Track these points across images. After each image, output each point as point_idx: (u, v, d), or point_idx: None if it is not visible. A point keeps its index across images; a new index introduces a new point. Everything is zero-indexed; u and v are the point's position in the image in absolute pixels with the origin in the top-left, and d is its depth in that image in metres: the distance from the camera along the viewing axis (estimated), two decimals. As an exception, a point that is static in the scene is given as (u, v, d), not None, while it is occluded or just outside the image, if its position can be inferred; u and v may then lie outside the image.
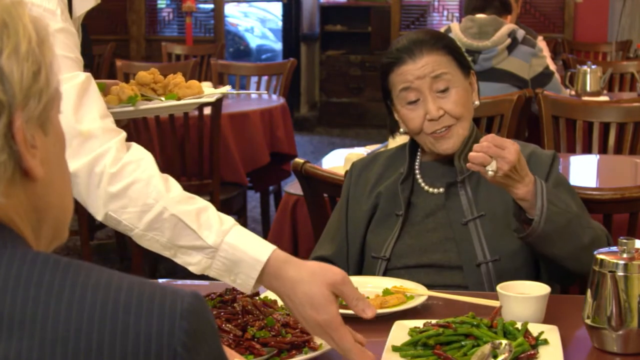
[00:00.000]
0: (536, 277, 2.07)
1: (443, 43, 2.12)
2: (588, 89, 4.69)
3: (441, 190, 2.13)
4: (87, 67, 6.59)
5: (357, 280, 1.95)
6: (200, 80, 5.96)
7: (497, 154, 1.85)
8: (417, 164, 2.19)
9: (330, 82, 9.77)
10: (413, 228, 2.13)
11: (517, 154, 1.87)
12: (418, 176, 2.18)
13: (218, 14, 8.93)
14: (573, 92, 4.70)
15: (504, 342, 1.53)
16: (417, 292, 1.88)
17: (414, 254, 2.09)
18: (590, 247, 1.92)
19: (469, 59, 3.98)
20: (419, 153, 2.19)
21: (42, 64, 0.89)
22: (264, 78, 5.75)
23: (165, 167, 4.12)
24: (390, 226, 2.13)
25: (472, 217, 2.08)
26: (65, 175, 0.96)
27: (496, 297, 1.76)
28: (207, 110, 4.08)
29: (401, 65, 2.10)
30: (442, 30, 4.17)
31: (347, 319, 1.71)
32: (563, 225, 1.92)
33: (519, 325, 1.63)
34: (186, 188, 4.02)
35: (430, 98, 2.08)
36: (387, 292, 1.88)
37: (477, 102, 2.18)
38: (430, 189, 2.15)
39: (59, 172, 0.94)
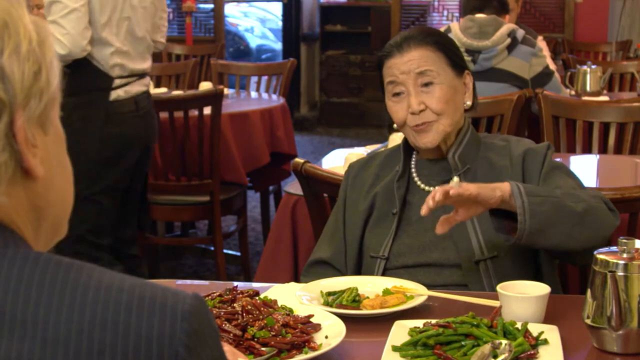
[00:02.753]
0: (536, 272, 2.08)
1: (433, 39, 2.12)
2: (588, 88, 4.69)
3: (437, 188, 2.13)
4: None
5: (357, 280, 1.96)
6: (200, 80, 5.95)
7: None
8: (413, 162, 2.19)
9: (330, 82, 9.77)
10: (410, 227, 2.13)
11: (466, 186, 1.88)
12: (414, 174, 2.18)
13: (218, 13, 8.93)
14: (573, 92, 4.70)
15: (504, 342, 1.53)
16: (417, 292, 1.88)
17: (413, 253, 2.09)
18: (586, 214, 1.92)
19: (469, 58, 4.02)
20: (414, 152, 2.20)
21: (42, 64, 0.90)
22: (264, 78, 5.74)
23: (165, 167, 4.12)
24: (388, 225, 2.14)
25: None
26: (65, 173, 0.96)
27: (496, 297, 1.77)
28: (207, 110, 4.08)
29: (390, 59, 2.12)
30: (442, 30, 4.17)
31: (346, 318, 1.72)
32: (550, 211, 1.90)
33: (519, 325, 1.63)
34: (186, 188, 4.12)
35: (414, 92, 2.09)
36: (387, 292, 1.88)
37: (468, 103, 2.17)
38: (426, 187, 2.15)
39: (59, 170, 0.94)
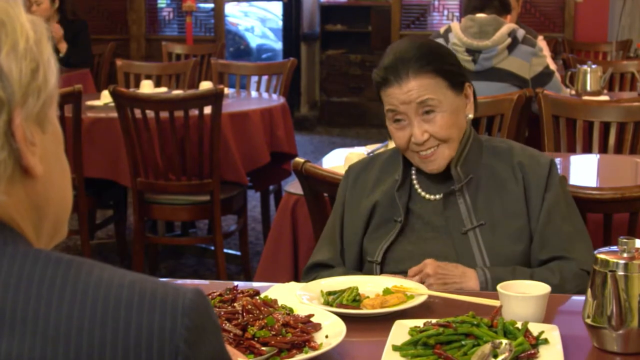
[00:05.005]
0: None
1: (431, 67, 2.05)
2: (588, 88, 4.69)
3: (438, 197, 2.12)
4: (87, 65, 6.55)
5: (357, 280, 1.96)
6: (200, 80, 5.93)
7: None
8: (413, 171, 2.17)
9: (330, 82, 9.77)
10: (413, 234, 2.12)
11: (432, 266, 1.99)
12: (415, 183, 2.16)
13: (218, 13, 8.93)
14: (573, 92, 4.70)
15: (504, 341, 1.53)
16: (418, 292, 1.88)
17: (413, 259, 2.07)
18: (560, 286, 1.97)
19: (469, 58, 4.01)
20: None
21: (40, 62, 0.90)
22: (264, 78, 5.74)
23: (165, 167, 4.12)
24: (388, 231, 2.13)
25: (471, 226, 2.07)
26: (64, 171, 0.96)
27: (496, 297, 1.77)
28: (207, 110, 4.07)
29: (387, 87, 2.07)
30: (442, 30, 4.18)
31: (346, 318, 1.72)
32: None
33: (519, 324, 1.63)
34: (186, 188, 4.12)
35: (416, 122, 2.06)
36: (387, 291, 1.88)
37: (470, 116, 2.14)
38: (428, 196, 2.14)
39: (58, 168, 0.94)
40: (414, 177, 2.17)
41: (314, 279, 2.09)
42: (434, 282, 1.97)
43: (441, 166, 2.10)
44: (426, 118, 2.06)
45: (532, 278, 1.97)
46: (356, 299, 1.85)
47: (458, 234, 2.07)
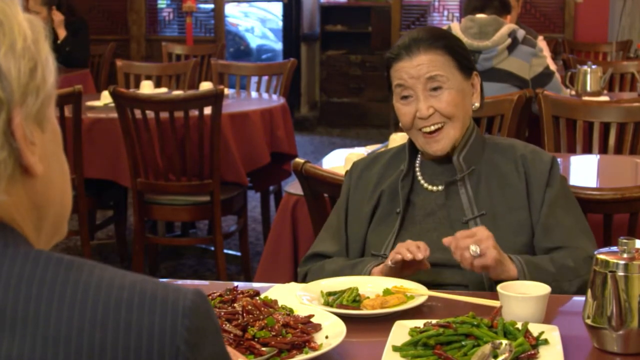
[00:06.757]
0: None
1: (442, 43, 2.11)
2: (588, 88, 4.69)
3: (441, 188, 2.14)
4: (83, 63, 6.55)
5: (357, 280, 1.96)
6: (200, 80, 5.93)
7: (468, 242, 1.91)
8: (417, 161, 2.19)
9: (330, 82, 9.77)
10: (414, 227, 2.13)
11: (486, 232, 1.92)
12: (418, 174, 2.18)
13: (218, 14, 8.93)
14: (573, 92, 4.70)
15: (505, 342, 1.53)
16: (418, 292, 1.88)
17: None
18: (576, 269, 1.98)
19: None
20: (419, 151, 2.20)
21: (38, 61, 0.90)
22: (264, 78, 5.74)
23: (165, 167, 4.12)
24: (390, 224, 2.14)
25: (472, 216, 2.08)
26: (63, 171, 0.96)
27: (496, 297, 1.77)
28: (207, 110, 4.08)
29: (399, 62, 2.11)
30: (443, 30, 4.17)
31: (346, 318, 1.72)
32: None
33: (519, 325, 1.63)
34: (186, 188, 4.10)
35: (422, 97, 2.09)
36: (387, 292, 1.88)
37: (476, 104, 2.17)
38: (430, 187, 2.15)
39: (57, 168, 0.95)
40: (417, 168, 2.18)
41: (310, 269, 2.10)
42: (492, 244, 1.92)
43: (446, 147, 2.10)
44: (433, 94, 2.10)
45: (552, 262, 1.98)
46: (356, 300, 1.85)
47: (459, 224, 2.08)
